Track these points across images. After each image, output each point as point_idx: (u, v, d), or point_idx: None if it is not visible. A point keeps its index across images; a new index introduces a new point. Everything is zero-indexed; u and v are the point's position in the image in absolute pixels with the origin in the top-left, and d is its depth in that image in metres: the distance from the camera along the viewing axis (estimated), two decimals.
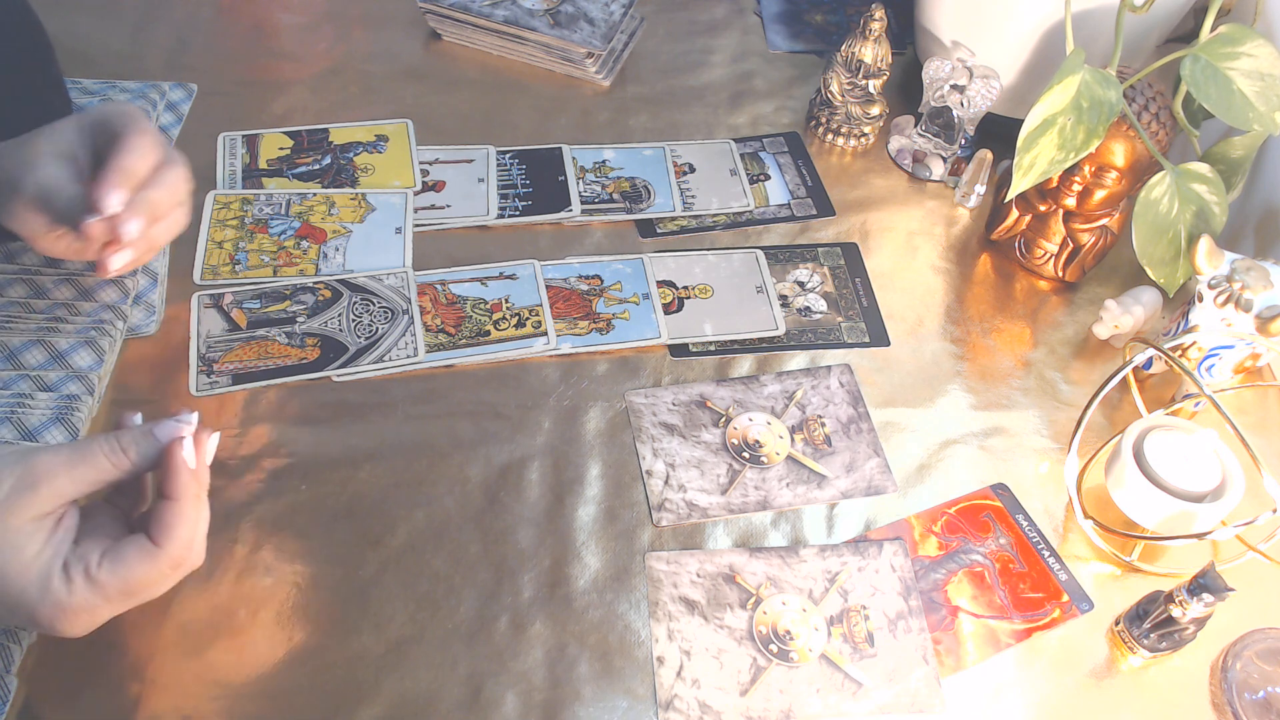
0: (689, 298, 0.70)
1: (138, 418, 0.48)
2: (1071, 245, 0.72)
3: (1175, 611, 0.53)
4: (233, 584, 0.54)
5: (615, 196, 0.76)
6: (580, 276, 0.70)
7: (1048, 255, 0.73)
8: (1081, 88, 0.63)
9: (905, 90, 0.88)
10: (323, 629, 0.53)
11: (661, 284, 0.71)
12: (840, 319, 0.71)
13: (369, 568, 0.55)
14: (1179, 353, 0.64)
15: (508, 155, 0.78)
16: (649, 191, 0.77)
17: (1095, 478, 0.64)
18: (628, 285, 0.70)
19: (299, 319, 0.65)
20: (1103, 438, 0.66)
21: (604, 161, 0.79)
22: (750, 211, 0.77)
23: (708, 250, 0.74)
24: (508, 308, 0.68)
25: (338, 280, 0.68)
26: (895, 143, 0.83)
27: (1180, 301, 0.71)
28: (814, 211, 0.78)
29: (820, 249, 0.75)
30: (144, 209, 0.54)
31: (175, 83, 0.79)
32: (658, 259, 0.72)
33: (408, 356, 0.64)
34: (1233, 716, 0.54)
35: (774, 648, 0.54)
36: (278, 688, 0.50)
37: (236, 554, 0.55)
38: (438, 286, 0.68)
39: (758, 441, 0.63)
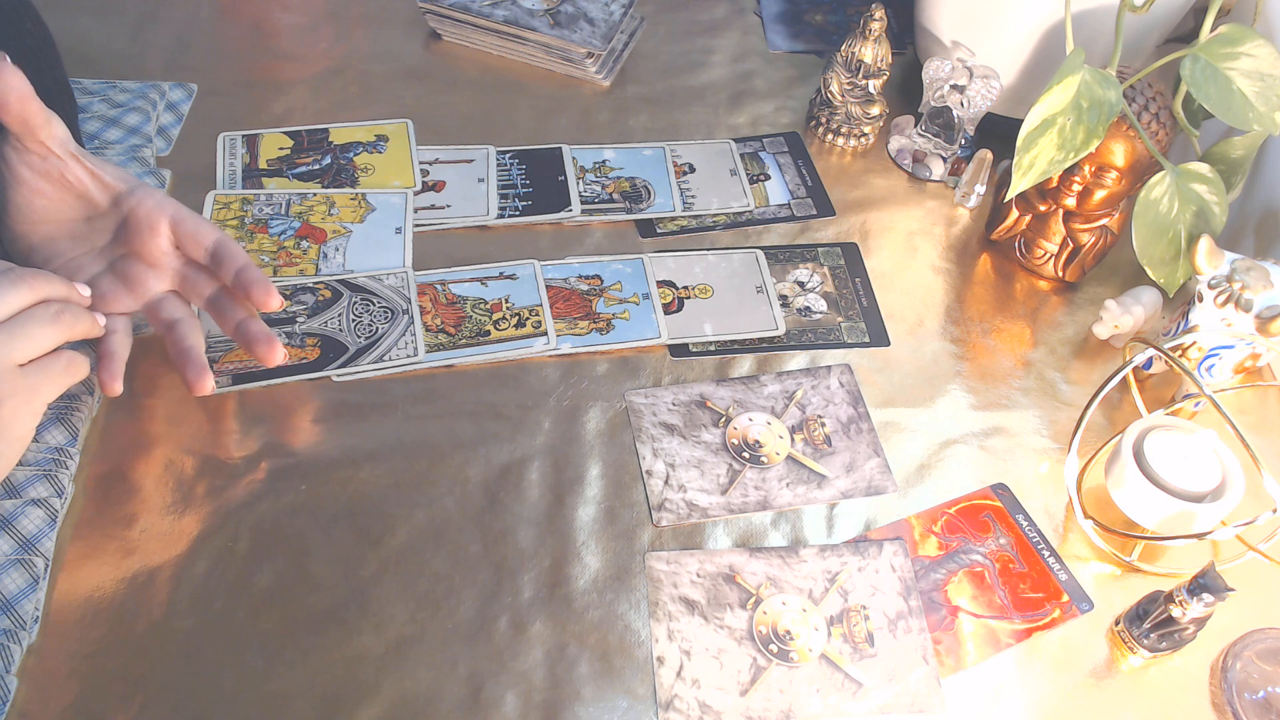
0: (689, 298, 0.70)
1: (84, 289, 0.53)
2: (1071, 245, 0.72)
3: (1175, 611, 0.53)
4: (232, 584, 0.54)
5: (615, 196, 0.76)
6: (580, 276, 0.70)
7: (1048, 255, 0.73)
8: (1081, 88, 0.63)
9: (905, 90, 0.88)
10: (323, 629, 0.53)
11: (661, 284, 0.71)
12: (840, 319, 0.71)
13: (369, 568, 0.55)
14: (1179, 353, 0.64)
15: (508, 155, 0.78)
16: (649, 191, 0.77)
17: (1095, 478, 0.64)
18: (628, 285, 0.70)
19: (299, 319, 0.65)
20: (1103, 438, 0.66)
21: (604, 161, 0.79)
22: (750, 211, 0.77)
23: (708, 250, 0.74)
24: (508, 308, 0.68)
25: (338, 280, 0.68)
26: (895, 143, 0.83)
27: (1180, 301, 0.71)
28: (814, 211, 0.78)
29: (820, 249, 0.75)
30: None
31: (175, 83, 0.79)
32: (658, 259, 0.72)
33: (408, 356, 0.64)
34: (1233, 716, 0.54)
35: (774, 648, 0.54)
36: (278, 688, 0.50)
37: (237, 554, 0.55)
38: (438, 286, 0.68)
39: (758, 441, 0.63)
